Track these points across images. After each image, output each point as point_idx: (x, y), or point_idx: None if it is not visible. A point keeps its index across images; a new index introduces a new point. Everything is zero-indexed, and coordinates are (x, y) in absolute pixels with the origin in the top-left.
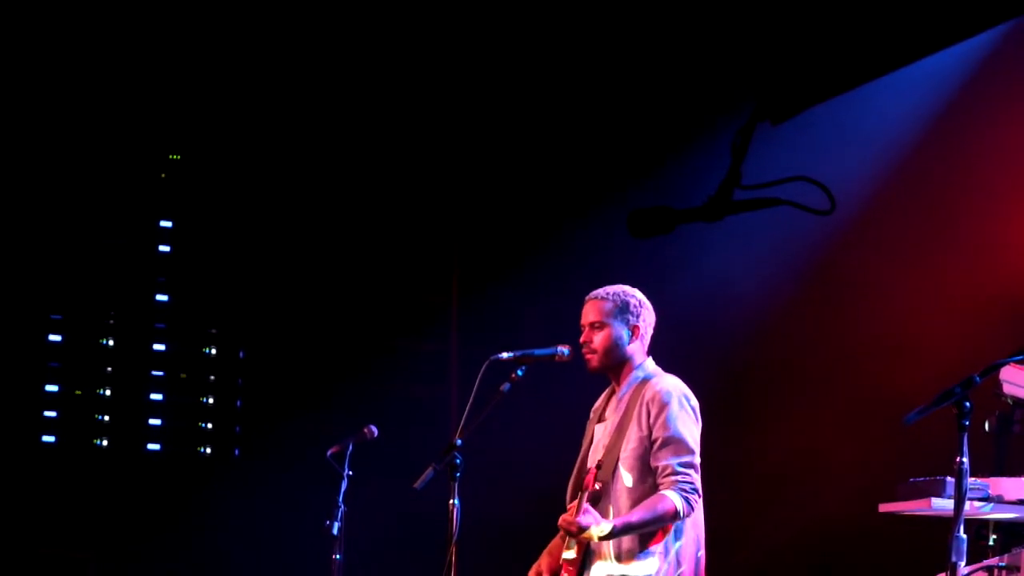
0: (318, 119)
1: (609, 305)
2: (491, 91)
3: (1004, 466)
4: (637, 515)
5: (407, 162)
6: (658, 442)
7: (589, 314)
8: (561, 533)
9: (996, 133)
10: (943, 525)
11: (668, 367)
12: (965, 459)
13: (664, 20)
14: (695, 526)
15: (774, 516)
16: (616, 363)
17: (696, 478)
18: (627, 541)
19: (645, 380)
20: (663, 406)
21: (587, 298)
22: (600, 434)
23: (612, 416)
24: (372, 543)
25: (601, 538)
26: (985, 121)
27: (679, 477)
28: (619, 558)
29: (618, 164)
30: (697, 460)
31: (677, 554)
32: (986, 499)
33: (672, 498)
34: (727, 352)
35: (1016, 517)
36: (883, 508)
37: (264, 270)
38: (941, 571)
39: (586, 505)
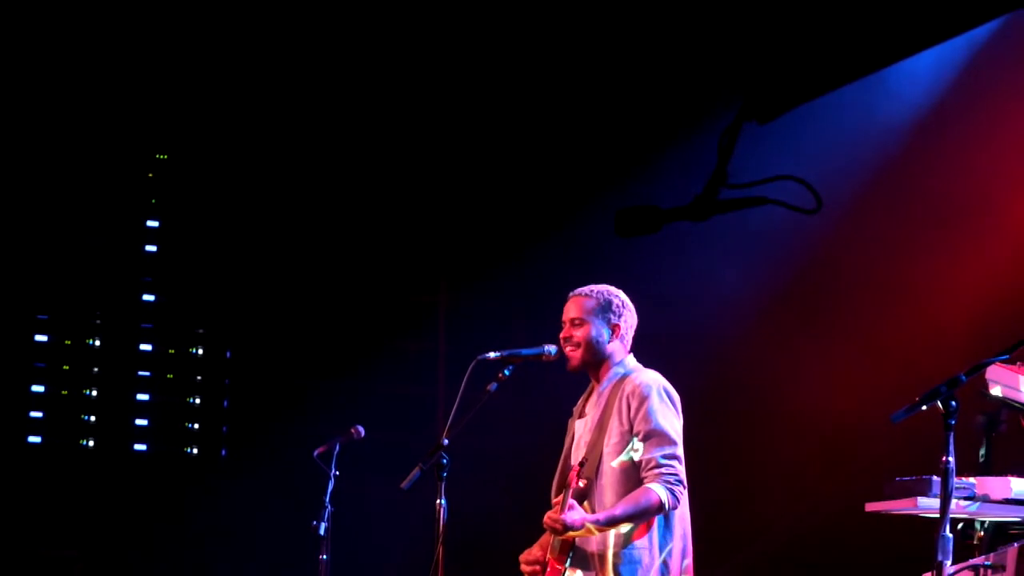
0: (305, 120)
1: (591, 303)
2: (478, 92)
3: (990, 465)
4: (622, 508)
5: (395, 163)
6: (640, 435)
7: (571, 310)
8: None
9: (985, 131)
10: (929, 524)
11: (654, 366)
12: (951, 458)
13: (650, 19)
14: (681, 520)
15: (761, 515)
16: (596, 360)
17: (680, 469)
18: (611, 535)
19: (625, 376)
20: (643, 399)
21: (570, 294)
22: (581, 430)
23: (592, 412)
24: (359, 543)
25: (584, 532)
26: (974, 118)
27: (663, 469)
28: (603, 552)
29: (605, 163)
30: (680, 452)
31: (663, 548)
32: (972, 498)
33: (657, 490)
34: (713, 352)
35: (1002, 516)
36: (869, 507)
37: (251, 270)
38: (927, 570)
39: (571, 501)
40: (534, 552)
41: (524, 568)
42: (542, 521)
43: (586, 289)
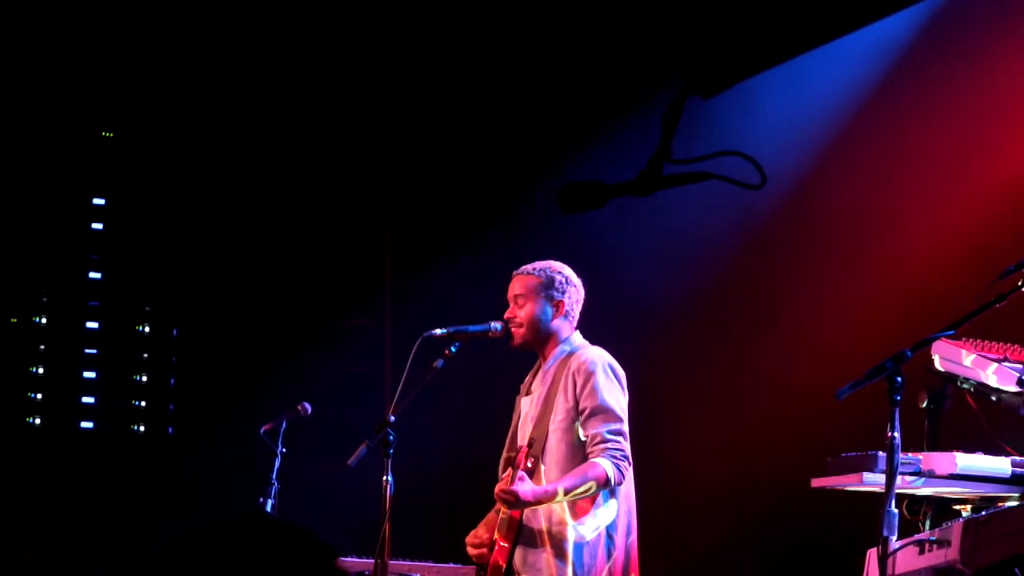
0: (249, 98)
1: (533, 281)
2: (422, 68)
3: (936, 441)
4: (569, 481)
5: (339, 140)
6: (586, 412)
7: (514, 288)
8: (496, 506)
9: (930, 107)
10: (875, 500)
11: (602, 342)
12: (896, 433)
13: None
14: (626, 496)
15: (707, 492)
16: (540, 338)
17: (626, 445)
18: (557, 511)
19: (571, 353)
20: (589, 376)
21: (514, 273)
22: (528, 407)
23: (539, 389)
24: (305, 520)
25: (535, 503)
26: (916, 96)
27: (609, 444)
28: (550, 529)
29: (550, 139)
30: (626, 428)
31: (608, 525)
32: (917, 473)
33: (603, 465)
34: (661, 328)
35: (947, 492)
36: (815, 483)
37: (198, 248)
38: (872, 545)
39: (521, 473)
40: (480, 533)
41: (471, 550)
42: (493, 494)
43: (529, 267)
